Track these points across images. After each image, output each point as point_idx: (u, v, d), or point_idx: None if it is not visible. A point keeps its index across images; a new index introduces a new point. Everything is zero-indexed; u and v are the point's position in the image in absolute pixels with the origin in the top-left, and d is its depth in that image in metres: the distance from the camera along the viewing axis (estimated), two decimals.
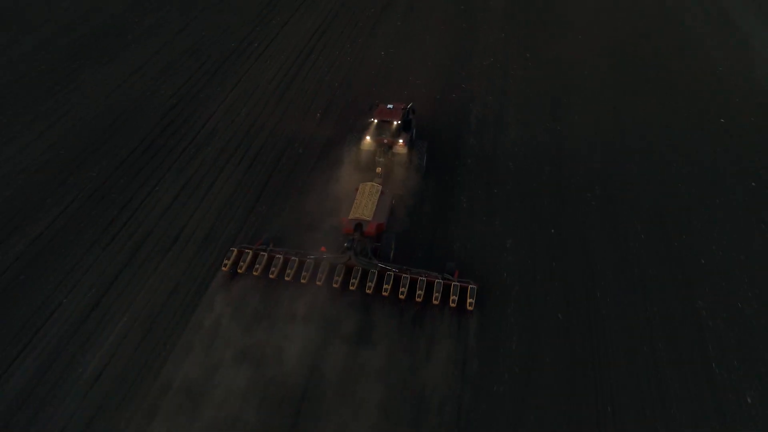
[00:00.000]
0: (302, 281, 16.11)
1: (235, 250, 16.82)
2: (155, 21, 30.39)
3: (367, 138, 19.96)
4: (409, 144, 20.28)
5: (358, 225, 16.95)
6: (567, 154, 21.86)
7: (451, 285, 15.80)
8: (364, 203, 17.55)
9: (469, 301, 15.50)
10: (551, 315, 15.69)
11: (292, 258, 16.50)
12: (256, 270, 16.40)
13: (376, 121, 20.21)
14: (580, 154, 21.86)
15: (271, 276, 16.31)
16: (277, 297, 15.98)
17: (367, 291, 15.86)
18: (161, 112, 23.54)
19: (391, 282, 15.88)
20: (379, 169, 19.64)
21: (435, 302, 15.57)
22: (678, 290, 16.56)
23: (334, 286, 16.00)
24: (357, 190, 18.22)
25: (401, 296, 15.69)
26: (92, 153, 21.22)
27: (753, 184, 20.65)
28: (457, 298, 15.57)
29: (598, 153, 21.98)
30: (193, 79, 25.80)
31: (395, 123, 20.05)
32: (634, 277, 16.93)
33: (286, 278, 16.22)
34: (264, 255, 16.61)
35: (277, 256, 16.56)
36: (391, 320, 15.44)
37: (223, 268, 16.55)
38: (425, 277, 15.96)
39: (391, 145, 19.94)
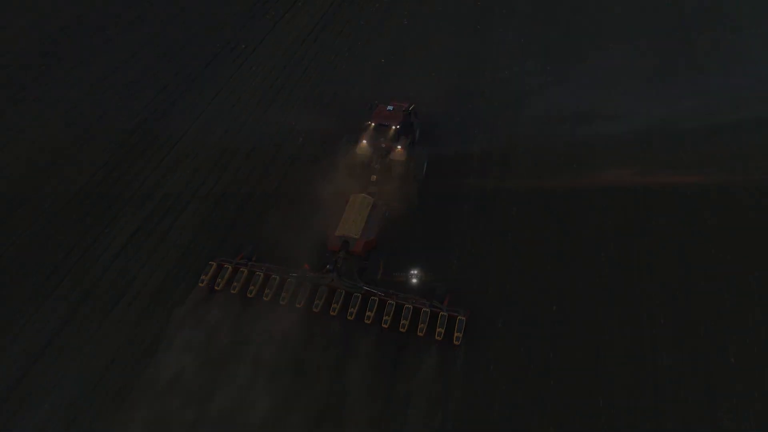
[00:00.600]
0: (282, 303, 15.03)
1: (214, 264, 15.80)
2: (139, 15, 27.66)
3: (363, 142, 18.40)
4: (410, 149, 18.55)
5: (345, 243, 15.79)
6: (581, 205, 18.72)
7: (438, 314, 14.62)
8: (353, 218, 16.37)
9: (456, 335, 14.40)
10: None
11: (273, 276, 15.42)
12: (234, 288, 15.39)
13: (373, 124, 18.55)
14: (598, 204, 18.72)
15: (249, 295, 15.24)
16: (249, 331, 14.53)
17: (349, 318, 14.81)
18: (126, 132, 21.14)
19: (375, 308, 14.80)
20: (374, 177, 18.01)
21: (420, 334, 14.46)
22: (697, 397, 13.81)
23: (314, 311, 14.87)
24: (347, 202, 16.79)
25: (384, 325, 14.65)
26: (42, 184, 19.00)
27: None
28: (443, 331, 14.40)
29: (617, 203, 18.67)
30: (168, 89, 23.26)
31: (393, 127, 18.34)
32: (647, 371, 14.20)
33: (265, 298, 15.14)
34: (244, 271, 15.59)
35: (257, 272, 15.52)
36: (370, 365, 14.00)
37: (200, 284, 15.53)
38: (412, 303, 14.82)
39: (388, 151, 18.25)
